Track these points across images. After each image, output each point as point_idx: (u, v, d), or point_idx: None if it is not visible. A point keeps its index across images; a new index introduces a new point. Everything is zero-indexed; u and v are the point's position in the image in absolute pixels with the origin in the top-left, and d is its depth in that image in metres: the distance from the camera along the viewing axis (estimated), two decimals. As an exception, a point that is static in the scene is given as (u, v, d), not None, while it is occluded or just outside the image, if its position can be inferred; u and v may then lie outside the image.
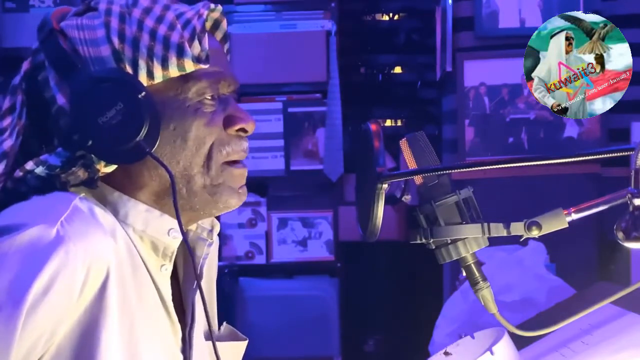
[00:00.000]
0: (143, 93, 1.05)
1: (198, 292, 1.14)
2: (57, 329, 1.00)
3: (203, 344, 1.22)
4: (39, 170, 1.08)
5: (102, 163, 1.08)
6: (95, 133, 1.05)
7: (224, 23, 1.20)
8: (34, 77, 1.11)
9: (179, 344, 1.16)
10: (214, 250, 1.28)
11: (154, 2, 1.11)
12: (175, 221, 1.11)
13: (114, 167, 1.10)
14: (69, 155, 1.07)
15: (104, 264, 1.02)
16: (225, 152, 1.13)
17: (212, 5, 1.15)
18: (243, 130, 1.15)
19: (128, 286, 1.06)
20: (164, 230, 1.12)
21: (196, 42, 1.08)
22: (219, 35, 1.20)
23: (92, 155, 1.07)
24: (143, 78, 1.07)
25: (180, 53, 1.07)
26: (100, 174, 1.09)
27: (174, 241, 1.13)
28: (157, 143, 1.07)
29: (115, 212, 1.10)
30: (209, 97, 1.12)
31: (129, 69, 1.07)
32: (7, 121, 1.12)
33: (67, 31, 1.08)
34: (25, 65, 1.13)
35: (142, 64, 1.07)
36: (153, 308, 1.12)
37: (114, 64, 1.07)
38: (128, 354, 1.04)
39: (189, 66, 1.08)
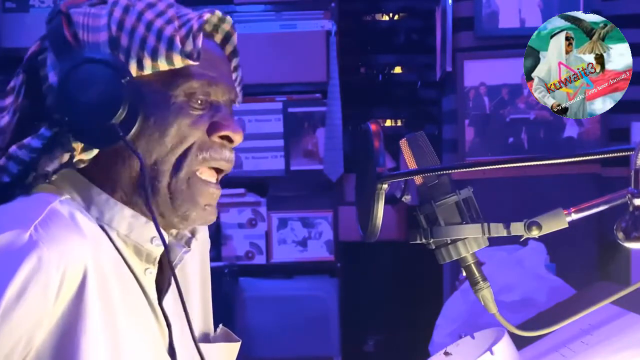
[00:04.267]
0: (127, 78, 1.05)
1: (178, 296, 1.12)
2: (35, 334, 0.98)
3: (192, 346, 1.21)
4: (22, 153, 1.07)
5: (80, 146, 1.07)
6: (73, 110, 1.05)
7: (234, 37, 1.18)
8: (36, 57, 1.12)
9: (167, 345, 1.16)
10: (205, 253, 1.27)
11: None
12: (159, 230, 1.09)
13: (91, 154, 1.09)
14: (49, 136, 1.07)
15: (80, 268, 1.01)
16: (202, 157, 1.11)
17: (219, 14, 1.14)
18: (228, 139, 1.13)
19: (110, 288, 1.05)
20: (147, 237, 1.11)
21: (190, 40, 1.07)
22: (228, 48, 1.19)
23: (70, 137, 1.06)
24: (133, 68, 1.07)
25: (170, 46, 1.07)
26: (77, 159, 1.08)
27: (157, 249, 1.13)
28: (134, 132, 1.06)
29: (100, 215, 1.09)
30: (199, 101, 1.11)
31: (121, 57, 1.07)
32: (8, 100, 1.12)
33: (73, 16, 1.09)
34: (32, 47, 1.13)
35: (133, 54, 1.07)
36: (139, 309, 1.11)
37: (109, 51, 1.07)
38: (111, 355, 1.04)
39: (177, 61, 1.07)
